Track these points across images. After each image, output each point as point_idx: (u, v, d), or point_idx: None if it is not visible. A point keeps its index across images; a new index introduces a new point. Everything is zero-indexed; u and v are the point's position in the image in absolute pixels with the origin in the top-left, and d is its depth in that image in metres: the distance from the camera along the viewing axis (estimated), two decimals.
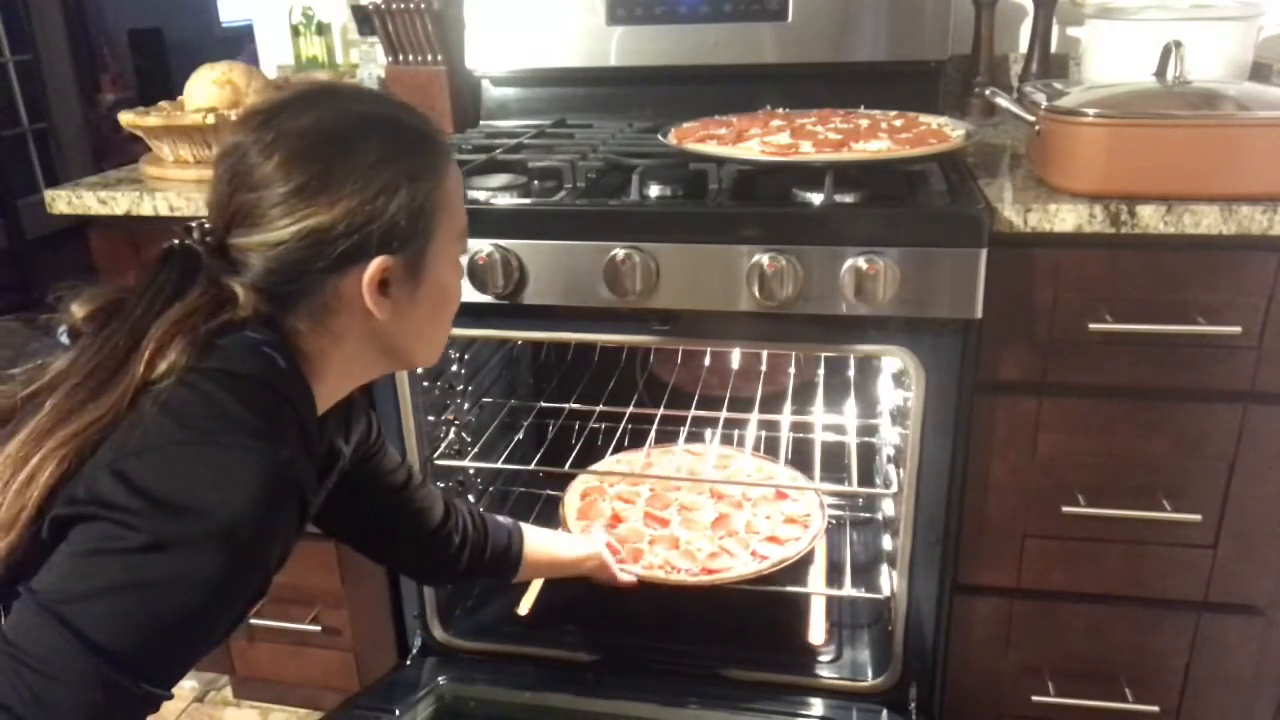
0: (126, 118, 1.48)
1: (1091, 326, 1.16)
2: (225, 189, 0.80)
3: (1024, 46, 1.68)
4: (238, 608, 0.78)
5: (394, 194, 0.80)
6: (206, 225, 0.81)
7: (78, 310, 0.79)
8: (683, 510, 1.68)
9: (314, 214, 0.78)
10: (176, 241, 0.80)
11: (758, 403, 1.80)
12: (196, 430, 0.72)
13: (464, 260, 0.95)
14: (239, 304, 0.77)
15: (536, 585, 1.61)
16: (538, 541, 1.37)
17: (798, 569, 1.54)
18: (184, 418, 0.73)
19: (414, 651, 1.51)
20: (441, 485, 1.52)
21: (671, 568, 1.51)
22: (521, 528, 1.35)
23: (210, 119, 1.42)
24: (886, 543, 1.53)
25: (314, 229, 0.78)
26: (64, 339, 0.80)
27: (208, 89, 1.49)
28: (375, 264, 0.80)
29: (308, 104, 0.82)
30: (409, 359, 0.94)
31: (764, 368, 1.88)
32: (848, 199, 1.16)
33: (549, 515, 1.76)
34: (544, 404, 1.85)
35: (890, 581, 1.43)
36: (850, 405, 1.79)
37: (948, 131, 1.26)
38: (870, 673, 1.41)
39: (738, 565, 1.50)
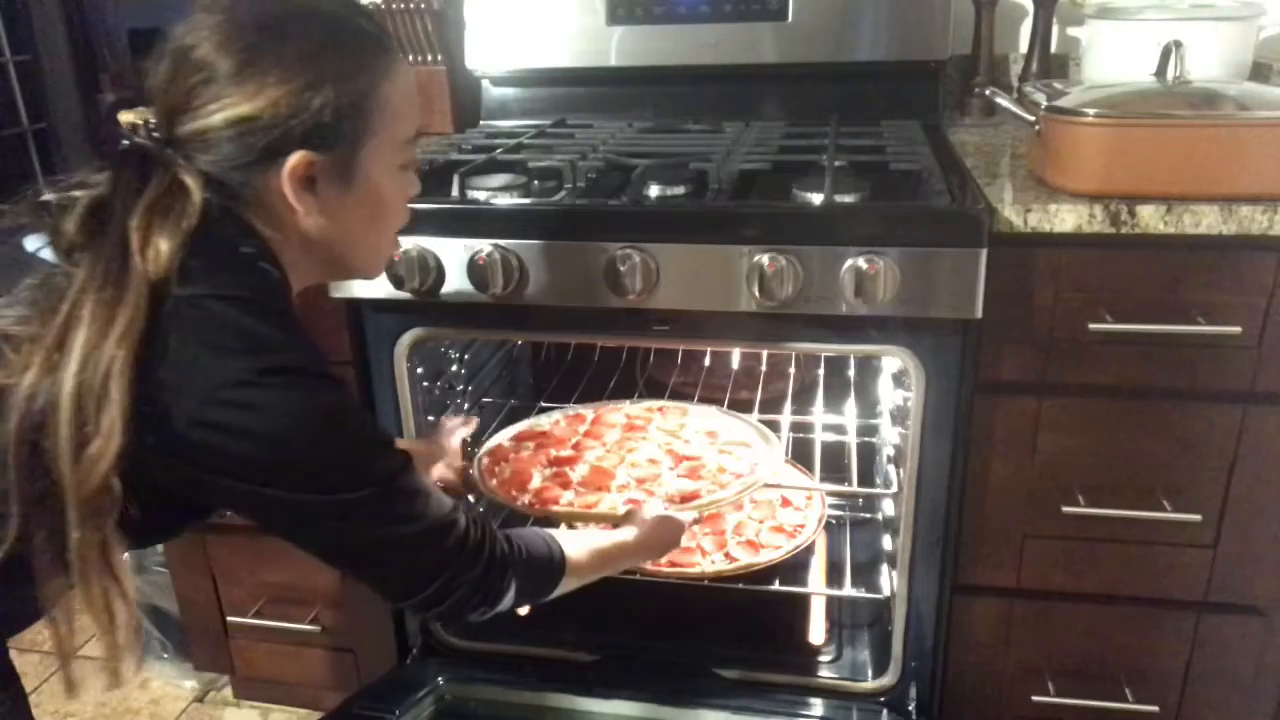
0: (126, 117, 1.48)
1: (1091, 326, 1.16)
2: (167, 72, 0.81)
3: (1024, 46, 1.68)
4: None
5: (320, 89, 0.79)
6: (151, 120, 0.82)
7: (69, 225, 0.78)
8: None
9: (238, 102, 0.78)
10: (127, 142, 0.81)
11: (758, 403, 1.80)
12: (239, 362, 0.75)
13: (411, 172, 0.93)
14: (190, 192, 0.77)
15: None
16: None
17: (796, 570, 1.54)
18: (219, 350, 0.75)
19: (414, 651, 1.51)
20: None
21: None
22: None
23: None
24: (886, 543, 1.52)
25: (239, 118, 0.78)
26: (48, 254, 0.79)
27: None
28: (296, 157, 0.80)
29: None
30: (348, 267, 0.94)
31: (764, 368, 1.88)
32: (848, 199, 1.16)
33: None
34: (544, 404, 1.85)
35: (890, 581, 1.43)
36: (850, 405, 1.78)
37: None
38: (870, 673, 1.41)
39: (706, 564, 1.49)
